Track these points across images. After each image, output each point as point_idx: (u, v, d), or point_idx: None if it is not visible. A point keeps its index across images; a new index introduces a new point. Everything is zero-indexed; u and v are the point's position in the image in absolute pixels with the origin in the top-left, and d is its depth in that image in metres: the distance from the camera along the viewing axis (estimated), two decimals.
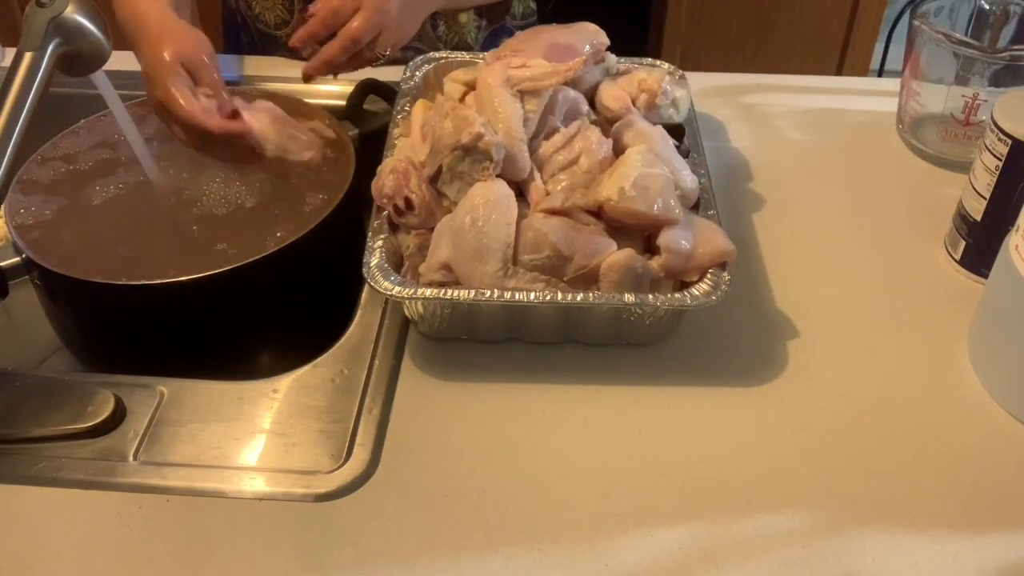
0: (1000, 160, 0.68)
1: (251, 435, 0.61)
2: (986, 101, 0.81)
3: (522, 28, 1.06)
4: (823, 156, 0.88)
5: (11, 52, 0.71)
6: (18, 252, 0.71)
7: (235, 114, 0.76)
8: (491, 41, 1.06)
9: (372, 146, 0.77)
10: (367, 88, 0.89)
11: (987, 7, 0.85)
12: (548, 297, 0.61)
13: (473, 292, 0.61)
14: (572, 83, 0.72)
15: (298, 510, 0.57)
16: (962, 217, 0.73)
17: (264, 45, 1.03)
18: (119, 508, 0.57)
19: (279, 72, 0.97)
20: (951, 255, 0.75)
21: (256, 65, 0.98)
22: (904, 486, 0.59)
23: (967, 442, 0.61)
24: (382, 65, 0.86)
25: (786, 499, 0.58)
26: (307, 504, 0.57)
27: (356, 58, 0.83)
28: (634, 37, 1.84)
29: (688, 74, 0.83)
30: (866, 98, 0.97)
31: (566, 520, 0.56)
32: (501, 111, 0.66)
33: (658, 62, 0.84)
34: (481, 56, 0.83)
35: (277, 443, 0.61)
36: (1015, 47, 0.80)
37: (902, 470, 0.59)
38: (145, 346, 0.74)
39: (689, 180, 0.67)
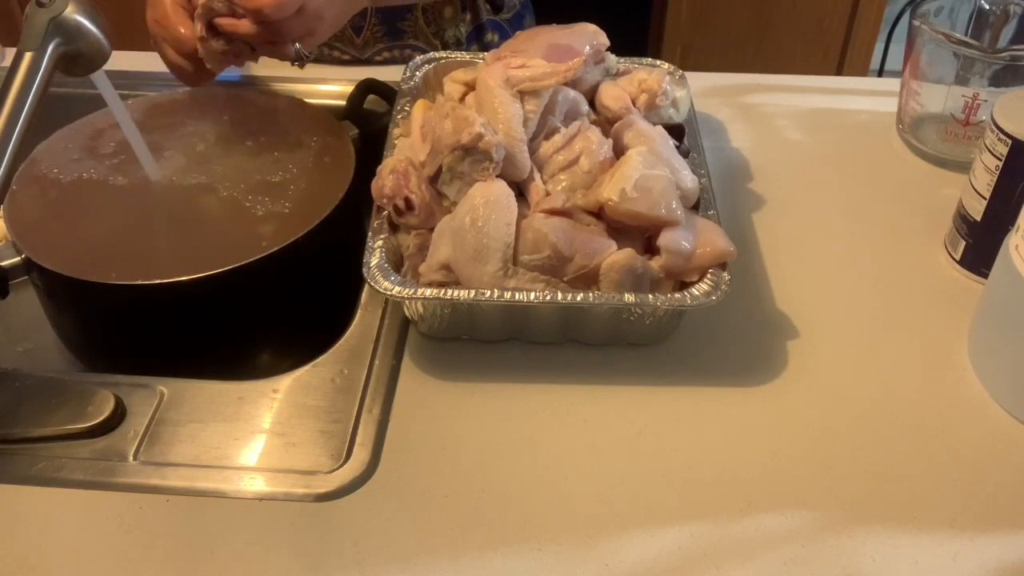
0: (1000, 160, 0.68)
1: (251, 435, 0.61)
2: (986, 101, 0.81)
3: (508, 23, 1.08)
4: (823, 156, 0.88)
5: (11, 52, 0.71)
6: (18, 252, 0.71)
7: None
8: (475, 37, 1.06)
9: (372, 146, 0.77)
10: (367, 88, 0.89)
11: (987, 7, 0.85)
12: (548, 297, 0.61)
13: (473, 292, 0.61)
14: (572, 83, 0.72)
15: (298, 510, 0.57)
16: (962, 217, 0.73)
17: None
18: (119, 508, 0.57)
19: (279, 72, 0.97)
20: (951, 255, 0.75)
21: (256, 65, 0.98)
22: (904, 486, 0.59)
23: (967, 442, 0.61)
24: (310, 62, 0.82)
25: (786, 499, 0.58)
26: (307, 504, 0.57)
27: (274, 51, 0.79)
28: (634, 37, 1.84)
29: (688, 74, 0.83)
30: (866, 98, 0.97)
31: (566, 520, 0.56)
32: (501, 111, 0.66)
33: (658, 62, 0.84)
34: (481, 56, 0.83)
35: (277, 443, 0.61)
36: (1015, 47, 0.80)
37: (902, 470, 0.59)
38: (145, 346, 0.74)
39: (689, 180, 0.67)
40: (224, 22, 0.76)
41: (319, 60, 1.01)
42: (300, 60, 0.80)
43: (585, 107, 0.73)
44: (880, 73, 1.85)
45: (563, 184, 0.67)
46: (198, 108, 0.86)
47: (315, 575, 0.53)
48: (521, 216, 0.63)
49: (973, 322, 0.68)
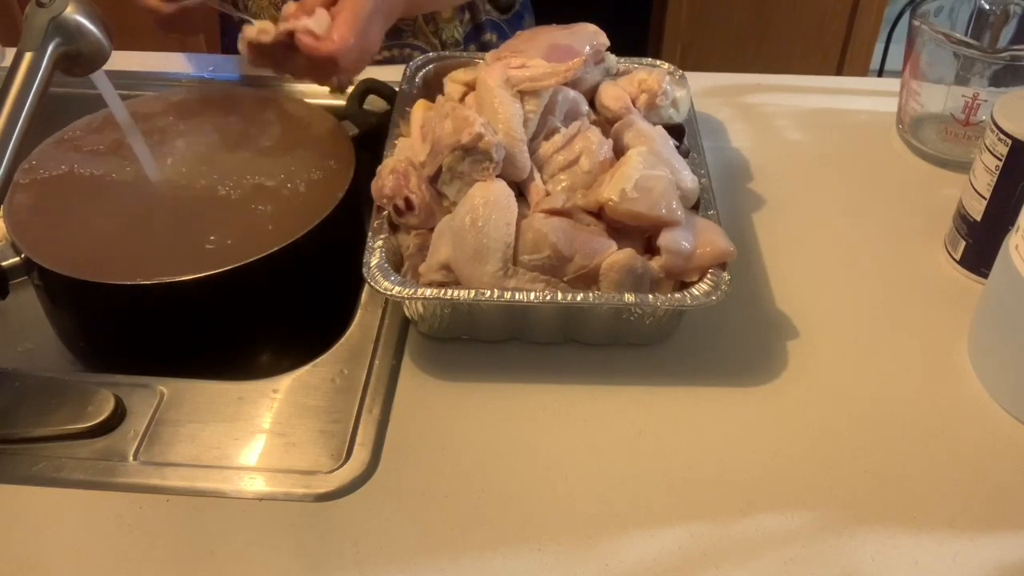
0: (1000, 160, 0.68)
1: (251, 435, 0.61)
2: (986, 101, 0.81)
3: (507, 23, 1.08)
4: (823, 156, 0.88)
5: (11, 52, 0.71)
6: (18, 252, 0.71)
7: None
8: (474, 36, 1.06)
9: (372, 146, 0.77)
10: (367, 88, 0.89)
11: (987, 7, 0.85)
12: (548, 297, 0.61)
13: (473, 292, 0.61)
14: (572, 83, 0.72)
15: (298, 510, 0.57)
16: (962, 217, 0.73)
17: None
18: (119, 508, 0.57)
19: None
20: (951, 255, 0.75)
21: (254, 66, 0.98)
22: (904, 486, 0.59)
23: (967, 442, 0.61)
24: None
25: (786, 499, 0.58)
26: (307, 504, 0.57)
27: (319, 80, 0.82)
28: (634, 37, 1.84)
29: (688, 74, 0.83)
30: (866, 98, 0.97)
31: (566, 520, 0.56)
32: (501, 111, 0.66)
33: (658, 62, 0.84)
34: (481, 56, 0.83)
35: (277, 443, 0.61)
36: (1015, 47, 0.80)
37: (902, 470, 0.59)
38: (145, 346, 0.74)
39: (689, 180, 0.68)
40: (289, 51, 0.78)
41: None
42: (341, 88, 0.82)
43: (585, 107, 0.73)
44: (880, 73, 1.85)
45: (563, 184, 0.67)
46: (198, 108, 0.86)
47: (315, 575, 0.53)
48: (521, 216, 0.63)
49: (973, 322, 0.68)
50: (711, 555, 0.54)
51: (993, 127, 0.68)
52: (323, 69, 0.79)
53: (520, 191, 0.67)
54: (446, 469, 0.59)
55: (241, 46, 0.79)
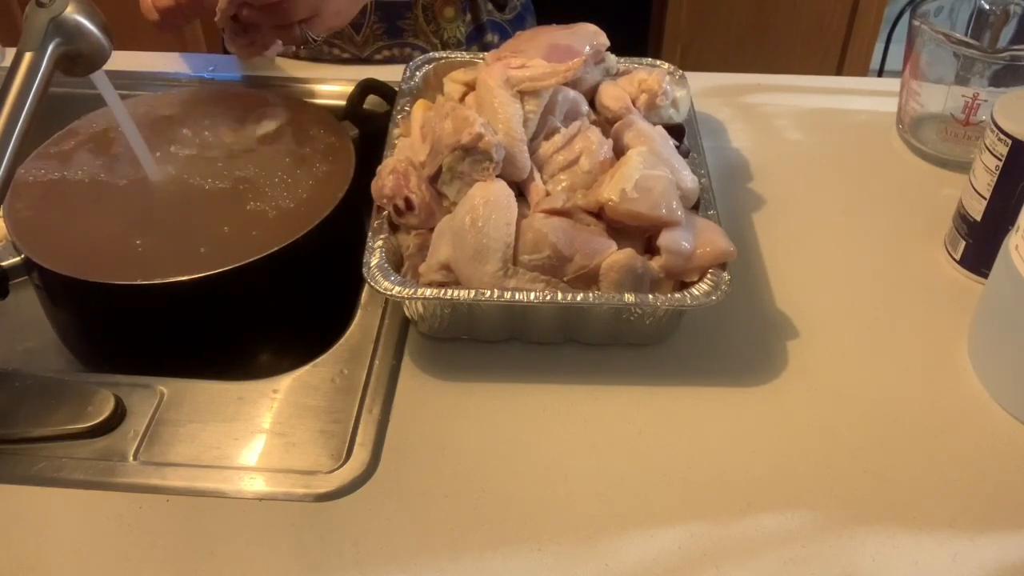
0: (1000, 160, 0.68)
1: (251, 435, 0.61)
2: (986, 101, 0.81)
3: (509, 24, 1.08)
4: (823, 156, 0.88)
5: (11, 52, 0.71)
6: (18, 252, 0.71)
7: None
8: (476, 37, 1.06)
9: (372, 146, 0.77)
10: (367, 88, 0.89)
11: (987, 7, 0.85)
12: (548, 297, 0.61)
13: (473, 292, 0.61)
14: (572, 83, 0.72)
15: (298, 510, 0.57)
16: (962, 217, 0.73)
17: None
18: (119, 508, 0.57)
19: (278, 72, 0.97)
20: (951, 255, 0.75)
21: (255, 65, 0.98)
22: (904, 486, 0.59)
23: (967, 442, 0.61)
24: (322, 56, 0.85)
25: (786, 499, 0.58)
26: (307, 504, 0.57)
27: (282, 33, 0.83)
28: (634, 37, 1.84)
29: (688, 74, 0.83)
30: (866, 98, 0.97)
31: (566, 520, 0.56)
32: (501, 111, 0.66)
33: (658, 62, 0.84)
34: (481, 56, 0.83)
35: (277, 443, 0.61)
36: (1015, 47, 0.80)
37: (902, 470, 0.59)
38: (145, 346, 0.74)
39: (689, 180, 0.68)
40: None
41: (318, 59, 1.01)
42: (307, 43, 0.82)
43: (585, 107, 0.73)
44: (880, 73, 1.85)
45: (563, 184, 0.67)
46: (198, 108, 0.86)
47: (315, 575, 0.53)
48: (521, 216, 0.63)
49: (973, 322, 0.68)
50: (711, 555, 0.54)
51: (993, 127, 0.68)
52: (277, 15, 0.80)
53: (520, 191, 0.67)
54: (446, 469, 0.59)
55: (229, 46, 0.80)
